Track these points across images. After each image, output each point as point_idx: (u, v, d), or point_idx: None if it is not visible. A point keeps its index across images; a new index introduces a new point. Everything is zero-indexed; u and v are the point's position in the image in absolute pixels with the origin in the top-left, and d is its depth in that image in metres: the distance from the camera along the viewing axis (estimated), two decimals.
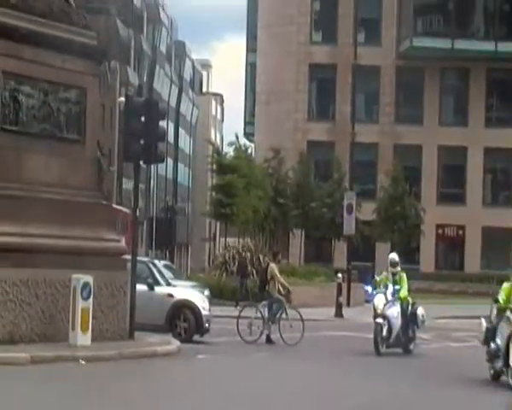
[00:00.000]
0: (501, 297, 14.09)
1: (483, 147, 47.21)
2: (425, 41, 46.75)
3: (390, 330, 18.58)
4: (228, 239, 37.24)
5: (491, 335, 14.18)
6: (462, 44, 46.24)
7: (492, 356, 14.12)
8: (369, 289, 19.60)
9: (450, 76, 49.46)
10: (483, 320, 14.73)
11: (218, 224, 54.26)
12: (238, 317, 19.56)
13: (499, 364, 13.88)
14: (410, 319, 19.18)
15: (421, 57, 46.97)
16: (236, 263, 30.77)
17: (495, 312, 14.47)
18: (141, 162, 17.22)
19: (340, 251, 40.04)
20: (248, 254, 30.80)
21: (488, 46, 46.28)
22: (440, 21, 48.14)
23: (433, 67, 47.52)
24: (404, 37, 47.30)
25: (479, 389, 14.15)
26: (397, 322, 18.71)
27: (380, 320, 18.53)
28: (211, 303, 20.90)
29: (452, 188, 48.57)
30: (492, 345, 14.05)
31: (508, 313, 13.76)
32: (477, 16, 48.35)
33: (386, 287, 19.04)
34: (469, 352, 20.22)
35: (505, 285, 14.21)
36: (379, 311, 18.67)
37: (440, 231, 47.36)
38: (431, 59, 46.96)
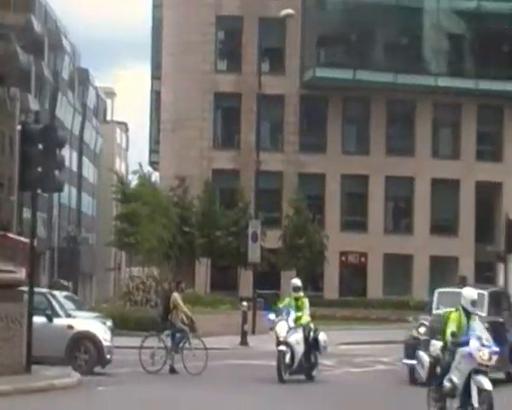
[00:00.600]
0: (451, 329, 12.36)
1: (384, 175, 48.19)
2: (328, 71, 47.53)
3: (293, 357, 18.68)
4: (133, 268, 36.89)
5: (443, 372, 12.45)
6: (363, 75, 47.17)
7: (445, 395, 12.42)
8: (270, 316, 19.73)
9: (352, 106, 50.34)
10: (424, 355, 13.02)
11: (124, 253, 53.78)
12: (140, 347, 19.36)
13: (455, 405, 12.35)
14: (312, 345, 19.32)
15: (324, 87, 47.73)
16: (141, 293, 30.52)
17: (437, 346, 12.81)
18: (38, 191, 16.96)
19: (245, 279, 40.13)
20: (153, 284, 30.58)
21: (388, 77, 47.36)
22: (343, 52, 49.07)
23: (335, 96, 48.33)
24: (308, 66, 48.00)
25: None
26: (299, 349, 18.82)
27: (282, 348, 18.61)
28: (114, 334, 20.65)
29: (355, 216, 49.36)
30: (447, 384, 12.30)
31: (465, 348, 12.20)
32: (378, 48, 49.44)
33: (288, 314, 19.15)
34: (370, 377, 20.51)
35: (453, 316, 12.55)
36: (281, 338, 18.76)
37: (344, 258, 48.00)
38: (334, 89, 47.76)
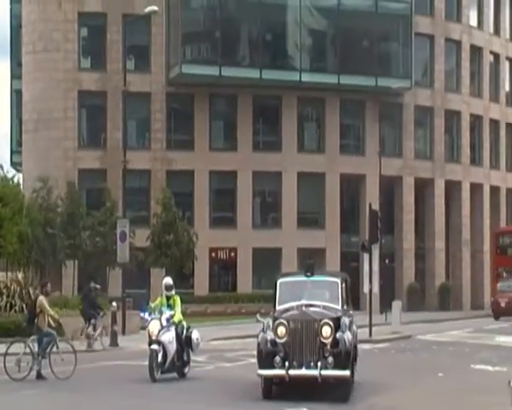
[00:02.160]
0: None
1: (251, 171, 48.60)
2: (194, 68, 47.45)
3: (165, 356, 18.62)
4: None
5: None
6: (229, 72, 47.40)
7: None
8: (146, 315, 19.61)
9: (218, 102, 50.51)
10: None
11: None
12: (5, 354, 18.82)
13: None
14: (184, 342, 19.30)
15: (190, 84, 47.67)
16: (5, 298, 29.67)
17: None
18: None
19: (114, 279, 39.69)
20: (18, 288, 29.78)
21: (254, 73, 47.76)
22: (208, 49, 49.13)
23: (202, 93, 48.34)
24: (174, 64, 47.82)
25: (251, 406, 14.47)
26: (172, 347, 18.78)
27: (155, 346, 18.52)
28: None
29: (224, 211, 49.58)
30: None
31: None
32: (242, 45, 49.83)
33: (161, 313, 19.07)
34: (241, 370, 20.65)
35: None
36: (154, 337, 18.68)
37: (213, 255, 48.12)
38: (200, 85, 47.76)
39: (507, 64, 60.59)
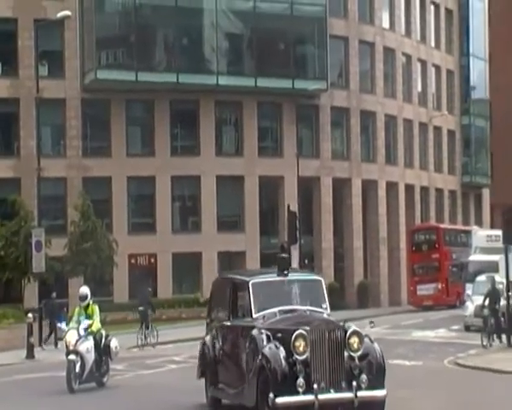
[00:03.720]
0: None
1: (170, 175, 48.40)
2: (110, 73, 47.01)
3: (83, 366, 18.46)
4: None
5: None
6: (145, 77, 47.09)
7: None
8: (63, 325, 19.40)
9: (135, 108, 50.15)
10: None
11: None
12: None
13: None
14: (103, 351, 19.16)
15: (106, 89, 47.18)
16: None
17: None
18: None
19: (30, 290, 39.06)
20: None
21: (170, 78, 47.56)
22: (124, 54, 48.75)
23: (118, 99, 47.92)
24: (89, 69, 47.27)
25: None
26: (90, 357, 18.64)
27: (72, 357, 18.36)
28: None
29: (143, 217, 49.28)
30: None
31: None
32: (159, 49, 49.60)
33: (78, 322, 18.89)
34: (161, 377, 20.59)
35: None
36: (71, 347, 18.50)
37: (133, 261, 47.75)
38: (116, 91, 47.33)
39: (418, 65, 61.77)
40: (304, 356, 12.30)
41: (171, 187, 48.75)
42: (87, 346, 18.63)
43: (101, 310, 19.64)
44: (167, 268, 47.85)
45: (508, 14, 72.50)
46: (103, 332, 19.39)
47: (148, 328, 31.35)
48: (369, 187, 56.01)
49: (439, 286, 50.47)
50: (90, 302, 19.25)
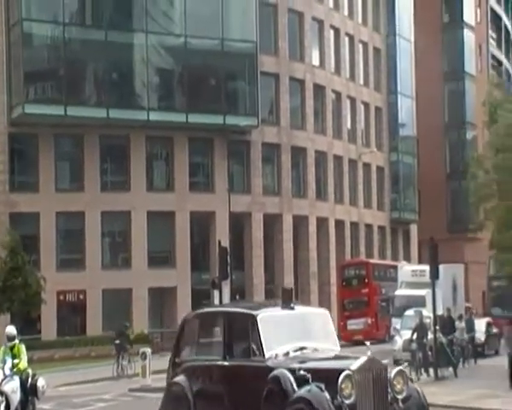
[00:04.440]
0: None
1: (100, 211, 47.93)
2: (38, 108, 46.43)
3: (8, 407, 18.02)
4: None
5: None
6: (75, 111, 46.68)
7: None
8: None
9: (64, 142, 49.59)
10: None
11: None
12: None
13: None
14: (29, 391, 18.75)
15: (34, 124, 46.58)
16: None
17: None
18: None
19: None
20: None
21: (100, 113, 47.27)
22: (53, 88, 48.22)
23: (47, 133, 47.34)
24: (17, 104, 46.67)
25: None
26: (15, 397, 18.21)
27: None
28: None
29: (72, 253, 48.59)
30: None
31: None
32: (88, 83, 49.27)
33: (4, 362, 18.47)
34: None
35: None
36: None
37: (62, 298, 46.98)
38: (45, 125, 46.77)
39: (348, 102, 62.63)
40: (351, 400, 11.38)
41: (101, 222, 48.25)
42: (12, 386, 18.20)
43: (27, 348, 19.24)
44: (97, 305, 47.21)
45: (431, 54, 74.23)
46: (30, 371, 18.98)
47: (124, 360, 32.50)
48: (299, 222, 56.32)
49: (369, 321, 50.79)
50: (17, 342, 18.85)
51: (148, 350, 30.46)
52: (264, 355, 12.20)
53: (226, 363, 12.78)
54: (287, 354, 12.32)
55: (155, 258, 49.61)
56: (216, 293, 43.48)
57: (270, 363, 12.08)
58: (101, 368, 35.84)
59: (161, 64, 50.16)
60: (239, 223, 51.51)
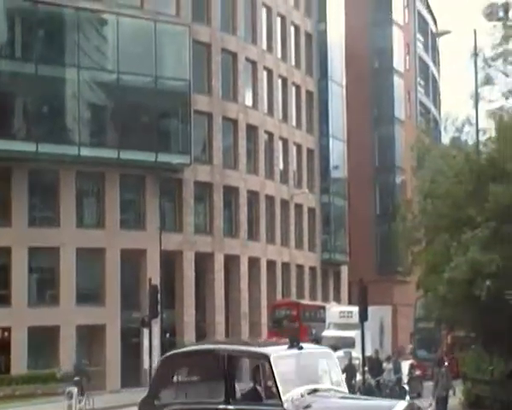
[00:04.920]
0: None
1: (27, 247, 46.80)
2: None
3: None
4: None
5: None
6: (3, 145, 45.73)
7: None
8: None
9: None
10: None
11: None
12: None
13: None
14: None
15: None
16: None
17: None
18: None
19: None
20: None
21: (29, 147, 46.38)
22: None
23: None
24: None
25: None
26: None
27: None
28: None
29: None
30: None
31: None
32: (17, 117, 48.41)
33: None
34: None
35: None
36: None
37: None
38: None
39: (280, 143, 62.93)
40: None
41: (29, 258, 47.11)
42: None
43: None
44: (22, 342, 45.82)
45: (362, 99, 75.35)
46: None
47: (83, 396, 32.11)
48: (231, 262, 56.00)
49: None
50: None
51: (75, 389, 29.72)
52: (281, 398, 11.25)
53: (231, 407, 11.67)
54: (301, 396, 11.45)
55: (84, 295, 48.58)
56: (146, 331, 42.92)
57: (288, 407, 11.21)
58: (25, 408, 34.71)
59: (93, 99, 49.65)
60: (170, 261, 50.96)
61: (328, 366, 12.30)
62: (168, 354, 13.77)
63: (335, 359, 12.58)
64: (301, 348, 11.95)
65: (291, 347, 11.96)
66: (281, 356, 11.68)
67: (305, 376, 11.94)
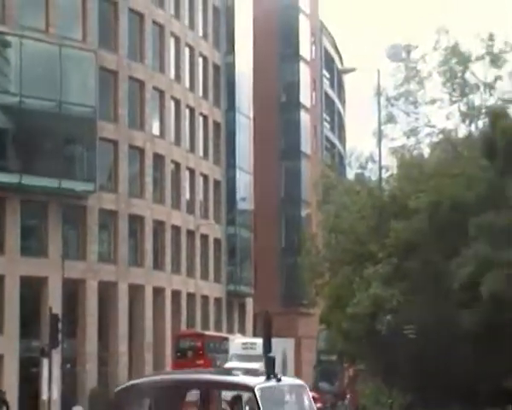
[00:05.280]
0: None
1: None
2: None
3: None
4: None
5: None
6: None
7: None
8: None
9: None
10: None
11: None
12: None
13: None
14: None
15: None
16: None
17: None
18: None
19: None
20: None
21: None
22: None
23: None
24: None
25: None
26: None
27: None
28: None
29: None
30: None
31: None
32: None
33: None
34: None
35: None
36: None
37: None
38: None
39: (187, 173, 62.81)
40: None
41: None
42: None
43: None
44: None
45: (269, 132, 76.09)
46: None
47: None
48: (135, 291, 55.37)
49: None
50: None
51: None
52: None
53: None
54: None
55: None
56: (45, 361, 42.01)
57: None
58: None
59: None
60: (73, 290, 50.06)
61: (302, 397, 12.22)
62: (126, 385, 12.86)
63: (308, 391, 12.45)
64: (280, 379, 11.72)
65: (268, 378, 11.64)
66: (264, 387, 11.34)
67: (286, 407, 11.90)
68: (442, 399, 25.61)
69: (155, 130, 59.12)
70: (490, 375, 24.40)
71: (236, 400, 11.89)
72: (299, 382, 12.79)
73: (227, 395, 11.76)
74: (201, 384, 11.82)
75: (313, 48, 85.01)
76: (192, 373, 13.70)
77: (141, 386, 12.37)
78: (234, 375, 12.76)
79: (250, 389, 11.17)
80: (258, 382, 11.38)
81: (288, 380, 12.41)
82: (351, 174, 45.59)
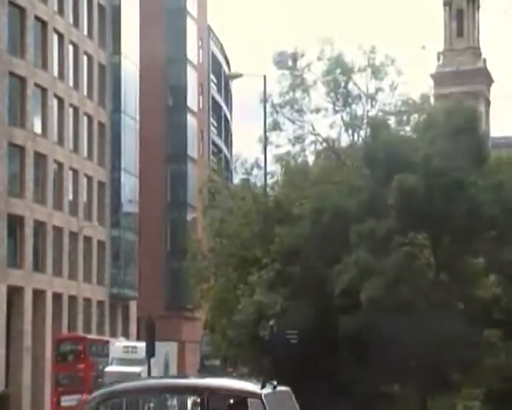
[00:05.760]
0: None
1: None
2: None
3: None
4: None
5: None
6: None
7: None
8: None
9: None
10: None
11: None
12: None
13: None
14: None
15: None
16: None
17: None
18: None
19: None
20: None
21: None
22: None
23: None
24: None
25: None
26: None
27: None
28: None
29: None
30: None
31: None
32: None
33: None
34: None
35: None
36: None
37: None
38: None
39: (70, 173, 61.69)
40: None
41: None
42: None
43: None
44: None
45: (156, 134, 75.63)
46: None
47: None
48: (14, 294, 53.99)
49: (84, 397, 49.36)
50: None
51: None
52: None
53: None
54: None
55: None
56: None
57: None
58: None
59: None
60: None
61: (293, 402, 12.08)
62: (101, 392, 11.92)
63: (293, 396, 12.22)
64: (275, 386, 11.53)
65: (264, 385, 11.34)
66: (269, 394, 11.12)
67: None
68: (321, 395, 25.78)
69: (37, 128, 57.76)
70: (367, 379, 24.74)
71: (237, 407, 11.43)
72: (287, 389, 12.54)
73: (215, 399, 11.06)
74: (202, 391, 11.54)
75: (201, 52, 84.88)
76: (189, 378, 13.44)
77: (124, 392, 11.85)
78: (233, 381, 12.39)
79: (258, 395, 10.95)
80: (262, 389, 11.17)
81: (281, 387, 12.16)
82: (236, 179, 45.69)
